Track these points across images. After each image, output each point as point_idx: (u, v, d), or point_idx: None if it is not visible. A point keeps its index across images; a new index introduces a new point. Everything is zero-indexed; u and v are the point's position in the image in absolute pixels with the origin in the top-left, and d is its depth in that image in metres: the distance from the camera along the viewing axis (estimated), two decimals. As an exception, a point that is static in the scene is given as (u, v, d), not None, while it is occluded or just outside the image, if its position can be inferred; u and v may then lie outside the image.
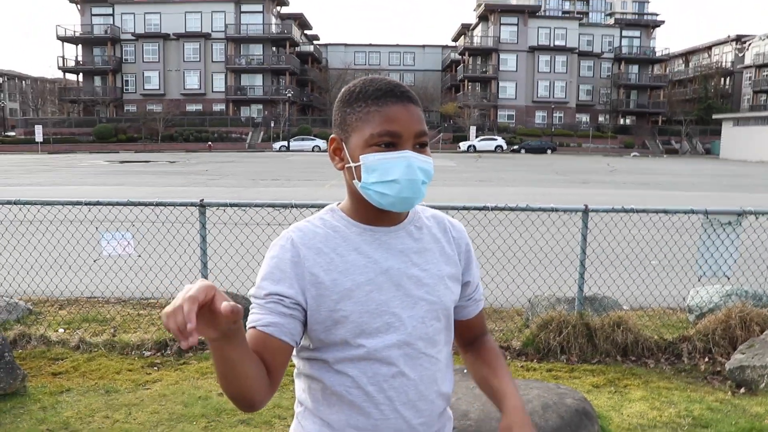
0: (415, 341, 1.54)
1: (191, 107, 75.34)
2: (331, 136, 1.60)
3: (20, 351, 5.85)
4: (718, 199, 19.59)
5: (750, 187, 26.73)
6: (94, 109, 74.62)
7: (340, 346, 1.52)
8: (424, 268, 1.57)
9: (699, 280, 6.70)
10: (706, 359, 5.91)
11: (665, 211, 6.23)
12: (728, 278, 6.34)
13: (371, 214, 1.56)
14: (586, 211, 6.08)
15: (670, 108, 79.59)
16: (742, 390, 5.23)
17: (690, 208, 6.18)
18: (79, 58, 75.89)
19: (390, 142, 1.48)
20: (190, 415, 4.58)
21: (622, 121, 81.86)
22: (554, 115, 77.11)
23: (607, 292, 6.95)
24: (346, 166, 1.55)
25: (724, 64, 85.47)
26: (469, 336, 1.81)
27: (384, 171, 1.47)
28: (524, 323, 6.62)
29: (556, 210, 6.13)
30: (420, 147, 1.52)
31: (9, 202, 6.33)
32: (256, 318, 1.49)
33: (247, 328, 1.49)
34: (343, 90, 1.59)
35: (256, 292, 1.51)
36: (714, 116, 71.63)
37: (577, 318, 6.06)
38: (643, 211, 6.20)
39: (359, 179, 1.50)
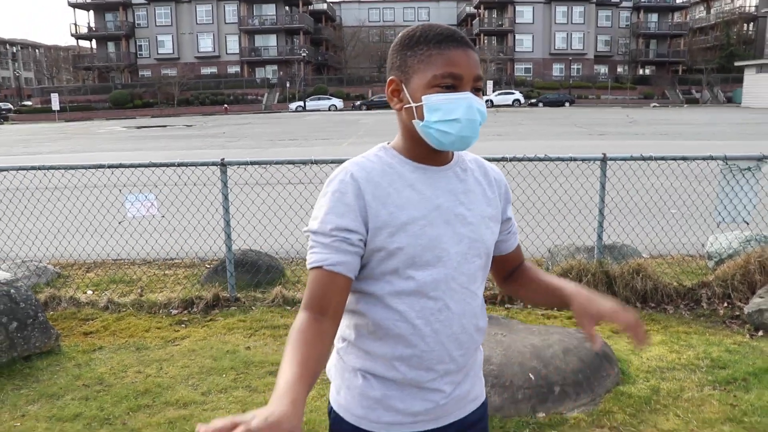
0: (459, 276, 1.63)
1: (206, 70, 75.15)
2: (390, 78, 1.64)
3: (51, 313, 6.01)
4: (738, 147, 19.38)
5: (772, 134, 26.40)
6: (108, 76, 74.69)
7: (390, 277, 1.59)
8: (468, 207, 1.65)
9: (718, 227, 6.72)
10: (725, 304, 5.96)
11: (684, 158, 6.23)
12: (747, 224, 6.35)
13: (424, 153, 1.62)
14: (604, 160, 6.10)
15: (691, 57, 78.20)
16: (761, 333, 5.29)
17: (709, 155, 6.18)
18: (92, 24, 75.70)
19: (451, 84, 1.54)
20: (219, 368, 4.72)
21: (641, 72, 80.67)
22: (572, 67, 76.15)
23: (626, 240, 6.98)
24: (405, 106, 1.60)
25: (747, 9, 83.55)
26: (509, 268, 1.90)
27: (447, 110, 1.53)
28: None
29: (575, 159, 6.15)
30: (476, 91, 1.58)
31: (33, 168, 6.45)
32: (321, 257, 1.54)
33: (309, 266, 1.56)
34: (401, 34, 1.63)
35: (320, 227, 1.55)
36: (736, 63, 70.34)
37: (597, 266, 6.12)
38: (662, 158, 6.20)
39: (420, 119, 1.56)
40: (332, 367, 1.77)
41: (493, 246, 1.73)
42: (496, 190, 1.75)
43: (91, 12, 75.80)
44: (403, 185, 1.59)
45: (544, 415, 3.87)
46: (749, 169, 6.06)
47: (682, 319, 5.68)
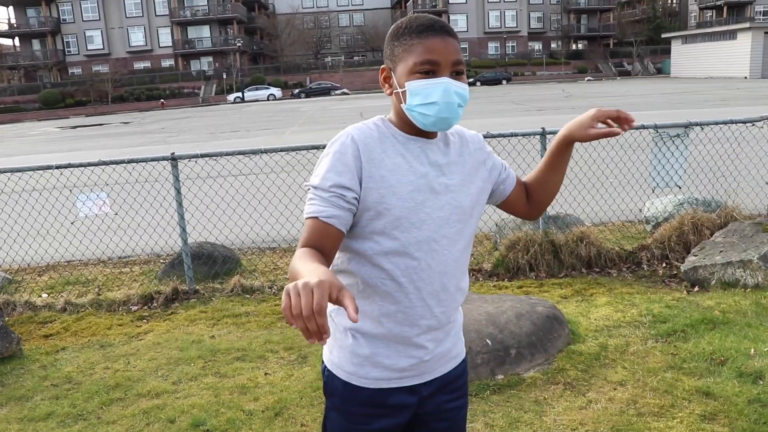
0: (440, 239, 1.81)
1: (139, 65, 73.63)
2: (382, 66, 1.84)
3: (7, 318, 5.96)
4: (669, 116, 20.06)
5: (698, 103, 27.34)
6: (36, 75, 72.36)
7: (377, 236, 1.77)
8: (450, 177, 1.83)
9: (653, 192, 7.08)
10: (664, 264, 6.31)
11: (618, 129, 6.52)
12: (680, 188, 6.71)
13: (413, 132, 1.81)
14: (543, 134, 6.37)
15: (621, 30, 79.91)
16: (696, 288, 5.65)
17: (641, 124, 6.49)
18: (12, 21, 73.03)
19: (430, 70, 1.72)
20: (186, 358, 4.84)
21: (574, 47, 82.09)
22: (507, 45, 77.02)
23: (569, 210, 7.29)
24: (395, 92, 1.79)
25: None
26: (523, 198, 2.06)
27: (426, 95, 1.72)
28: (493, 246, 6.96)
29: (515, 135, 6.41)
30: (456, 75, 1.76)
31: (-21, 173, 6.40)
32: (318, 209, 1.71)
33: (307, 215, 1.72)
34: (392, 26, 1.82)
35: (320, 183, 1.72)
36: (663, 35, 72.22)
37: (543, 236, 6.40)
38: (597, 130, 6.48)
39: (405, 102, 1.76)
40: None
41: (475, 212, 1.91)
42: (474, 153, 1.93)
43: (11, 8, 72.90)
44: (395, 153, 1.78)
45: (502, 376, 4.11)
46: (678, 136, 6.41)
47: (625, 281, 6.01)
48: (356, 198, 1.73)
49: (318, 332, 1.27)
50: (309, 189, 1.75)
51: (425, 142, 1.82)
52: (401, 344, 1.84)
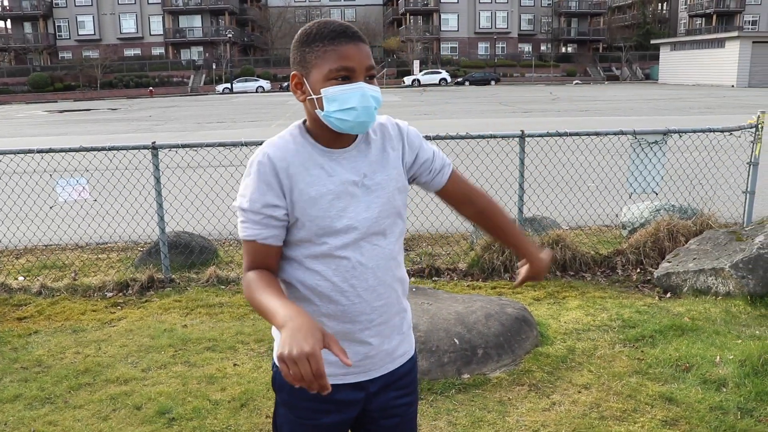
0: (370, 236, 1.85)
1: (129, 52, 73.26)
2: (292, 72, 1.84)
3: (-19, 300, 5.98)
4: (652, 122, 20.20)
5: (683, 110, 27.55)
6: (26, 58, 71.92)
7: (306, 243, 1.82)
8: (372, 178, 1.86)
9: (630, 197, 7.15)
10: (638, 270, 6.37)
11: (597, 134, 6.60)
12: (656, 194, 6.78)
13: (330, 136, 1.83)
14: (522, 137, 6.42)
15: (610, 35, 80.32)
16: (668, 294, 5.71)
17: (620, 130, 6.56)
18: (5, 3, 72.54)
19: (346, 76, 1.75)
20: (157, 346, 4.85)
21: (563, 50, 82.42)
22: (497, 45, 77.19)
23: (545, 213, 7.35)
24: (308, 98, 1.80)
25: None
26: (455, 198, 2.09)
27: (343, 100, 1.74)
28: (470, 246, 7.00)
29: (495, 137, 6.45)
30: (370, 79, 1.80)
31: (-42, 154, 6.37)
32: (254, 233, 1.78)
33: (245, 239, 1.80)
34: (299, 32, 1.82)
35: (250, 205, 1.78)
36: (652, 41, 72.65)
37: (518, 238, 6.43)
38: (576, 134, 6.55)
39: (321, 109, 1.77)
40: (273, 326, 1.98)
41: (400, 204, 1.93)
42: (398, 145, 1.94)
43: (5, -10, 72.66)
44: (312, 165, 1.81)
45: (468, 376, 4.15)
46: (656, 142, 6.47)
47: (598, 285, 6.06)
48: (286, 213, 1.79)
49: (322, 387, 1.47)
50: (238, 211, 1.81)
51: (342, 151, 1.84)
52: (345, 340, 1.86)
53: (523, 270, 2.13)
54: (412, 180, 2.00)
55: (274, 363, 1.98)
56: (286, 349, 1.45)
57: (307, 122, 1.87)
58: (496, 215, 2.10)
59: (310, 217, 1.79)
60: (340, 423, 1.95)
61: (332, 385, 1.89)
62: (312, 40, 1.77)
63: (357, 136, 1.87)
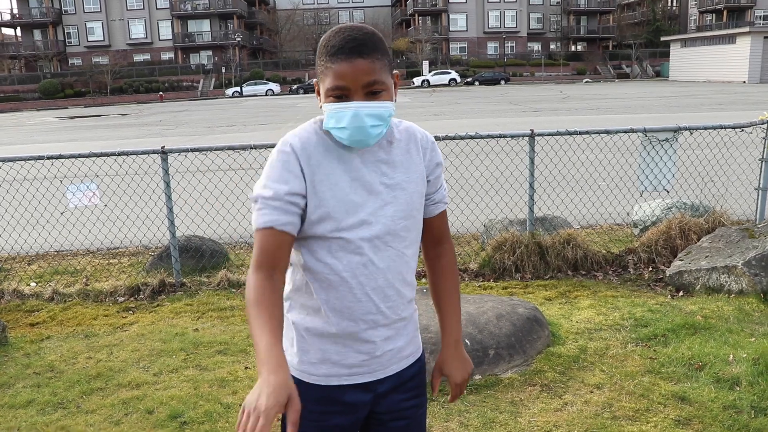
0: (384, 236, 1.83)
1: (138, 57, 73.58)
2: (314, 80, 1.86)
3: (-6, 306, 6.02)
4: (663, 119, 20.10)
5: (694, 107, 27.40)
6: (36, 65, 72.34)
7: (319, 235, 1.80)
8: (392, 177, 1.85)
9: (641, 196, 7.11)
10: (650, 268, 6.34)
11: (607, 132, 6.57)
12: (668, 192, 6.74)
13: None
14: (532, 136, 6.39)
15: (620, 32, 79.98)
16: (681, 293, 5.67)
17: (630, 128, 6.53)
18: (15, 11, 73.02)
19: (341, 95, 1.74)
20: (169, 350, 4.86)
21: (573, 48, 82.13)
22: (506, 45, 77.01)
23: (556, 212, 7.32)
24: (320, 106, 1.82)
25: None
26: (430, 236, 2.07)
27: (337, 119, 1.74)
28: (480, 246, 6.98)
29: (504, 136, 6.42)
30: (372, 95, 1.76)
31: (-30, 161, 6.41)
32: (273, 218, 1.74)
33: (260, 226, 1.75)
34: (320, 41, 1.83)
35: (269, 192, 1.75)
36: (662, 38, 72.31)
37: (529, 238, 6.42)
38: (586, 132, 6.52)
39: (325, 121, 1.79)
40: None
41: (418, 208, 1.92)
42: (421, 153, 1.93)
43: (14, -2, 73.14)
44: (332, 157, 1.80)
45: (480, 377, 4.13)
46: (667, 140, 6.43)
47: (610, 284, 6.03)
48: (305, 203, 1.77)
49: None
50: (257, 200, 1.77)
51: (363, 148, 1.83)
52: (349, 339, 1.86)
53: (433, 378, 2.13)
54: None
55: None
56: (248, 398, 1.52)
57: None
58: (446, 280, 2.09)
59: (327, 209, 1.77)
60: (348, 425, 1.94)
61: (339, 387, 1.89)
62: (320, 53, 1.78)
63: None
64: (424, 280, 6.24)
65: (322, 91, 1.78)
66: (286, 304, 1.93)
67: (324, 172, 1.78)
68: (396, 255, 1.86)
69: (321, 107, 1.80)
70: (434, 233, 2.07)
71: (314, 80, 1.86)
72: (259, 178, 1.80)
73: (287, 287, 1.93)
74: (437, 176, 1.98)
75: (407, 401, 2.01)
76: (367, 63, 1.74)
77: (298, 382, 1.90)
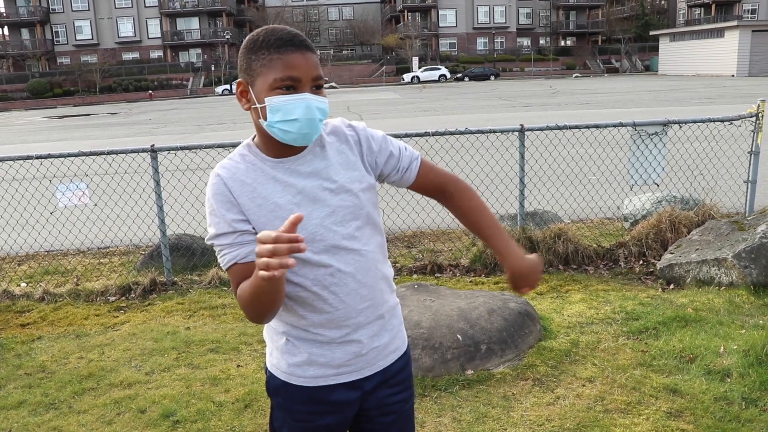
0: (340, 242, 1.81)
1: (127, 56, 73.27)
2: (238, 80, 1.81)
3: (-15, 308, 5.99)
4: (652, 113, 20.17)
5: (684, 101, 27.50)
6: (24, 64, 71.91)
7: None
8: (333, 180, 1.81)
9: (631, 189, 7.13)
10: (641, 262, 6.36)
11: (596, 126, 6.58)
12: (657, 185, 6.76)
13: (279, 146, 1.79)
14: (522, 131, 6.40)
15: (609, 27, 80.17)
16: (671, 286, 5.70)
17: (619, 122, 6.54)
18: (2, 10, 72.54)
19: (291, 86, 1.71)
20: (161, 349, 4.85)
21: (562, 43, 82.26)
22: (496, 40, 77.05)
23: (547, 207, 7.33)
24: (253, 107, 1.77)
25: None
26: (432, 190, 2.03)
27: (287, 111, 1.70)
28: (471, 242, 6.98)
29: (494, 131, 6.43)
30: (316, 89, 1.75)
31: (-42, 162, 6.37)
32: (233, 255, 1.74)
33: (226, 267, 1.75)
34: (246, 38, 1.79)
35: (218, 228, 1.74)
36: (651, 33, 72.55)
37: (520, 232, 6.44)
38: (576, 127, 6.54)
39: (265, 119, 1.73)
40: (265, 331, 1.99)
41: (368, 204, 1.87)
42: (356, 148, 1.89)
43: (1, -2, 72.66)
44: (265, 179, 1.77)
45: (472, 372, 4.14)
46: (656, 133, 6.45)
47: (601, 278, 6.05)
48: (253, 227, 1.75)
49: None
50: (213, 244, 1.77)
51: (295, 159, 1.80)
52: (335, 343, 1.86)
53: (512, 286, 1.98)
54: (381, 179, 1.95)
55: (267, 368, 1.97)
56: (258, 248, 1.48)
57: (256, 136, 1.84)
58: (473, 211, 2.01)
59: (274, 229, 1.71)
60: (337, 424, 1.94)
61: (326, 387, 1.88)
62: (258, 48, 1.73)
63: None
64: (416, 276, 6.24)
65: (260, 86, 1.72)
66: (267, 326, 1.95)
67: (261, 194, 1.76)
68: (358, 255, 1.84)
69: (253, 108, 1.76)
70: (431, 188, 2.03)
71: (239, 80, 1.80)
72: (207, 224, 1.79)
73: None
74: (388, 152, 1.92)
75: (394, 396, 2.00)
76: (315, 57, 1.75)
77: (285, 385, 1.91)
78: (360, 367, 1.91)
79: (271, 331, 1.94)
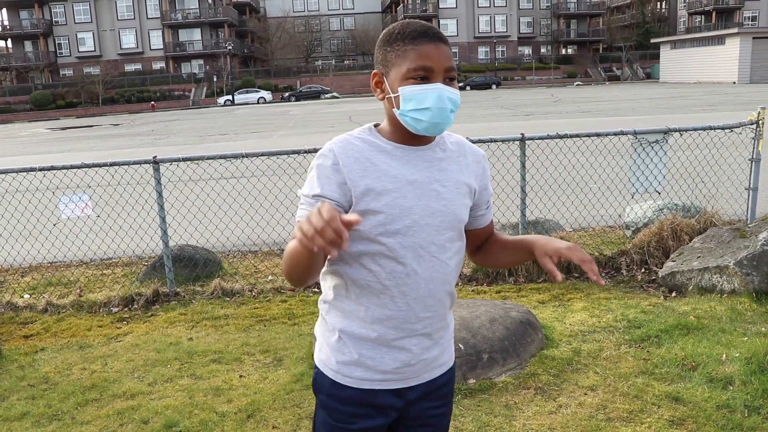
0: (428, 245, 1.82)
1: (130, 67, 73.52)
2: (373, 71, 1.85)
3: (-12, 319, 6.00)
4: (654, 121, 20.17)
5: (685, 108, 27.51)
6: (27, 76, 72.17)
7: (364, 240, 1.79)
8: (443, 184, 1.85)
9: (633, 197, 7.14)
10: (643, 270, 6.36)
11: (597, 134, 6.60)
12: (659, 193, 6.77)
13: (405, 137, 1.83)
14: (523, 140, 6.41)
15: (610, 35, 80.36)
16: (673, 294, 5.70)
17: (620, 130, 6.56)
18: (6, 23, 72.91)
19: (424, 76, 1.75)
20: (163, 360, 4.85)
21: (563, 52, 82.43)
22: (497, 49, 77.27)
23: (548, 215, 7.34)
24: (387, 96, 1.81)
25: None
26: (480, 241, 2.07)
27: (419, 100, 1.73)
28: (473, 251, 6.99)
29: (495, 140, 6.45)
30: (449, 81, 1.79)
31: (-39, 174, 6.40)
32: (306, 213, 1.73)
33: (299, 218, 1.74)
34: (384, 32, 1.83)
35: (306, 192, 1.77)
36: (652, 40, 72.65)
37: (522, 241, 6.43)
38: (576, 135, 6.55)
39: (398, 108, 1.77)
40: (317, 327, 1.99)
41: (466, 219, 1.91)
42: (473, 168, 1.93)
43: (4, 10, 72.91)
44: (380, 161, 1.79)
45: (474, 381, 4.14)
46: (657, 141, 6.47)
47: (603, 286, 6.04)
48: (339, 205, 1.75)
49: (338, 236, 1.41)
50: (300, 198, 1.80)
51: (416, 149, 1.83)
52: (386, 346, 1.86)
53: (546, 262, 1.84)
54: None
55: (315, 365, 1.98)
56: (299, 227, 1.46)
57: (386, 122, 1.86)
58: (498, 242, 2.05)
59: (372, 212, 1.76)
60: (375, 428, 1.94)
61: (372, 390, 1.88)
62: (393, 40, 1.78)
63: (434, 139, 1.87)
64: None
65: (394, 76, 1.77)
66: (324, 307, 1.94)
67: (371, 175, 1.77)
68: (439, 265, 1.85)
69: (387, 98, 1.80)
70: (485, 238, 2.07)
71: (374, 71, 1.84)
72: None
73: (327, 293, 1.93)
74: (486, 185, 1.98)
75: (435, 409, 2.01)
76: (448, 49, 1.79)
77: (332, 382, 1.92)
78: (407, 376, 1.91)
79: (324, 327, 1.95)
